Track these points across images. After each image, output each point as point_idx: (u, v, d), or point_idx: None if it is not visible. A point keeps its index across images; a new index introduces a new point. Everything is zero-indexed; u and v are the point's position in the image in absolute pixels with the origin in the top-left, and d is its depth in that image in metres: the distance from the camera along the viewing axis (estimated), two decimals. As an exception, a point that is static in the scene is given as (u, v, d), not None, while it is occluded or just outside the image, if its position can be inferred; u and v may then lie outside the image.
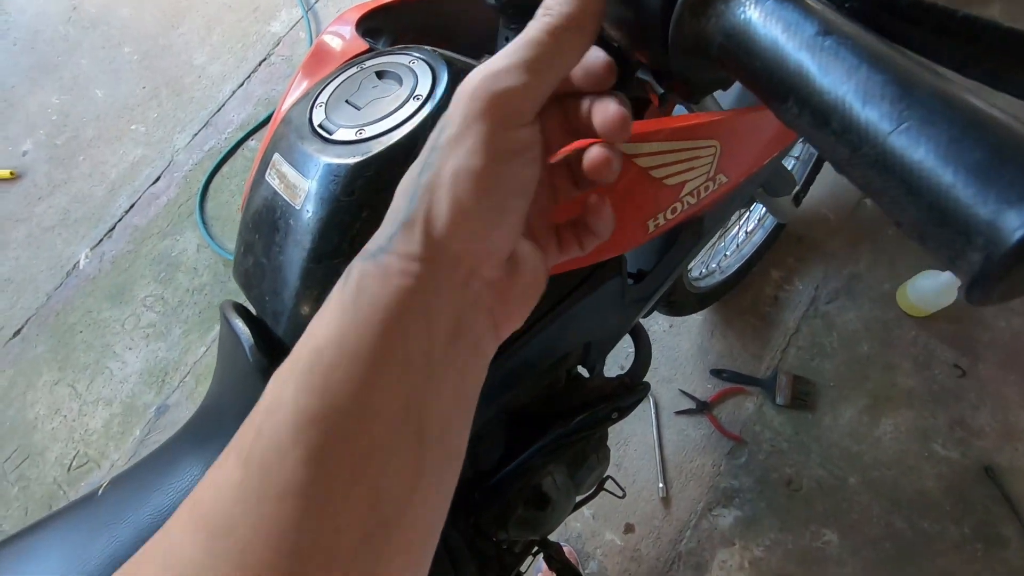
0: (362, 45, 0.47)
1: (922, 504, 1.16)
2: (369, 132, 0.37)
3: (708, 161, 0.39)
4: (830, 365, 1.30)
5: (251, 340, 0.41)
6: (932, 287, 1.24)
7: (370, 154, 0.36)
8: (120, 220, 1.59)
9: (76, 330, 1.48)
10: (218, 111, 1.72)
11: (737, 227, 1.29)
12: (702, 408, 1.28)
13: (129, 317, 1.49)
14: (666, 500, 1.22)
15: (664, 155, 0.37)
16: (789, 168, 1.30)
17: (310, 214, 0.37)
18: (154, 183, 1.63)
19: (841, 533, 1.16)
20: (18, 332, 1.49)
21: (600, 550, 1.21)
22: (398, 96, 0.38)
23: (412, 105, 0.37)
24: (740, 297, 1.38)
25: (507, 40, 0.41)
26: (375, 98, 0.38)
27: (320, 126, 0.38)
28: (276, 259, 0.39)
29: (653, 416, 1.28)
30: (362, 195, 0.36)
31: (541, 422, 0.70)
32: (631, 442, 1.28)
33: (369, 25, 0.50)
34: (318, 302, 0.29)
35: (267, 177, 0.40)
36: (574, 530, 1.22)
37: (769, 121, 0.46)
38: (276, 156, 0.39)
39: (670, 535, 1.20)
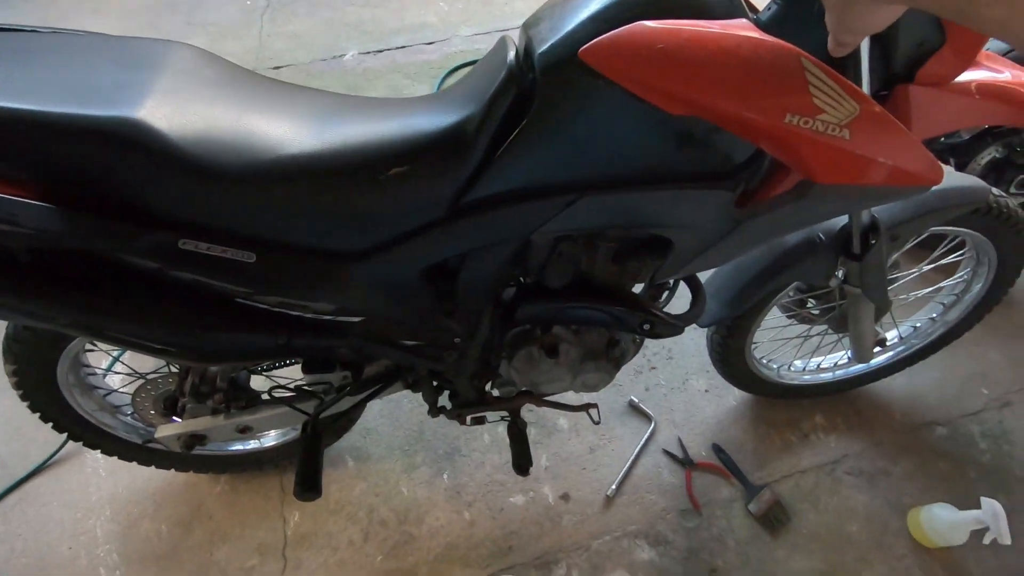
0: None
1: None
2: None
3: (846, 113, 0.56)
4: (814, 518, 1.33)
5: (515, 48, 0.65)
6: (946, 520, 1.25)
7: None
8: (388, 50, 1.98)
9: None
10: (505, 31, 2.10)
11: (813, 352, 1.39)
12: (686, 463, 1.36)
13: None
14: (608, 501, 1.31)
15: (825, 83, 0.55)
16: (901, 335, 1.39)
17: None
18: (428, 44, 2.01)
19: (726, 640, 1.18)
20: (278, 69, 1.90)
21: (532, 493, 1.31)
22: None
23: None
24: (778, 413, 1.45)
25: None
26: None
27: None
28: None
29: (645, 436, 1.38)
30: None
31: (594, 291, 0.86)
32: (615, 443, 1.38)
33: None
34: None
35: None
36: (524, 465, 1.33)
37: (899, 151, 0.62)
38: None
39: (592, 528, 1.28)
